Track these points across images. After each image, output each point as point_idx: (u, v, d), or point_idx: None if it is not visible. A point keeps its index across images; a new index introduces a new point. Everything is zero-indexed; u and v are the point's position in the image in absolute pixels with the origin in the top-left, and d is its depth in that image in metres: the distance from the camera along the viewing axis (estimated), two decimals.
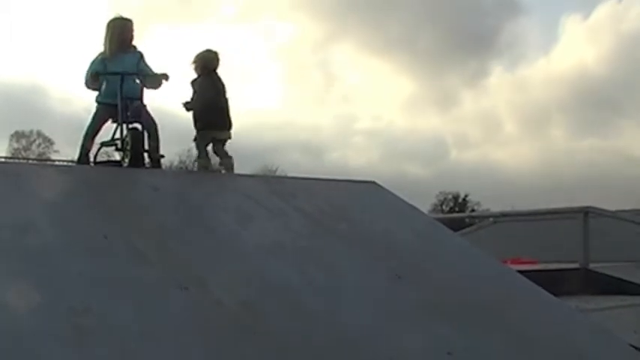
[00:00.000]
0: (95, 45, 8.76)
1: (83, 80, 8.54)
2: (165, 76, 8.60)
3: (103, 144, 8.71)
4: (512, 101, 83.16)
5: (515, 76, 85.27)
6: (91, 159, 8.67)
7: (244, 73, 77.10)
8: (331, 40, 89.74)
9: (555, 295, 7.29)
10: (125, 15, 8.76)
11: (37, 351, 4.44)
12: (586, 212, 11.92)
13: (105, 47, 8.55)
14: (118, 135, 8.54)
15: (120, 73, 8.34)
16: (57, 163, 12.24)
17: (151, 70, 8.62)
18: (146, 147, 8.42)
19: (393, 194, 8.86)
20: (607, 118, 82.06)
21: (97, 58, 8.53)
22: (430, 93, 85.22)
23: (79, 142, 8.61)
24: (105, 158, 8.96)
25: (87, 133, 8.54)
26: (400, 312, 6.00)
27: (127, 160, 8.40)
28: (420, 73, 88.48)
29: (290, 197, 7.74)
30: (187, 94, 8.80)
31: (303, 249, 6.69)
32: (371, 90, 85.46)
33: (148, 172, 8.31)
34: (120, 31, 8.55)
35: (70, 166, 8.83)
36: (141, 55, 8.63)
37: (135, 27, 8.71)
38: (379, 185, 9.07)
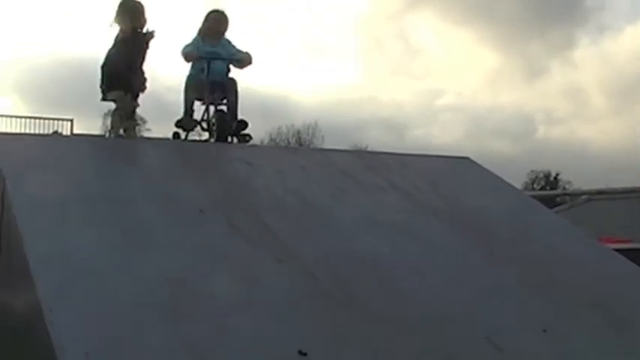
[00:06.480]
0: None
1: (181, 52, 8.79)
2: (250, 57, 8.85)
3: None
4: (600, 73, 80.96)
5: (602, 46, 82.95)
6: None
7: (320, 47, 76.81)
8: (409, 9, 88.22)
9: None
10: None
11: (135, 320, 4.57)
12: None
13: (201, 33, 8.89)
14: (205, 117, 8.86)
15: (211, 58, 8.71)
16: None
17: (239, 52, 8.87)
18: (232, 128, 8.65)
19: (487, 170, 8.75)
20: None
21: (194, 39, 8.83)
22: (513, 65, 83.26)
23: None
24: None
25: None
26: (495, 289, 5.92)
27: (212, 141, 8.61)
28: (501, 44, 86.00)
29: (385, 172, 7.72)
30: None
31: (398, 224, 6.65)
32: (452, 62, 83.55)
33: (240, 147, 8.42)
34: (215, 22, 8.95)
35: (164, 141, 8.99)
36: (228, 42, 8.96)
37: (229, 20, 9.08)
38: (473, 161, 8.98)
